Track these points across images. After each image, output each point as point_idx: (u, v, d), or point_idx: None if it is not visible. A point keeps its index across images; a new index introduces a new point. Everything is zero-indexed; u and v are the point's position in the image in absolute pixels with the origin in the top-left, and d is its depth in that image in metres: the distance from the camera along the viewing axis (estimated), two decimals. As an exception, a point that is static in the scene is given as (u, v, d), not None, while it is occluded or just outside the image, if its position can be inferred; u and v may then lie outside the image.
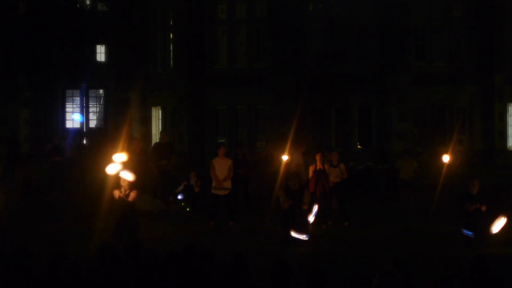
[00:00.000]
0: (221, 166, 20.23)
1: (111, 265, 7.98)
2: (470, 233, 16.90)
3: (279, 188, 19.47)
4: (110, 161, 16.39)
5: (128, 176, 16.32)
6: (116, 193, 16.48)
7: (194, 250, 8.29)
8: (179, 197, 23.26)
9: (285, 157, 20.61)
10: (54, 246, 8.74)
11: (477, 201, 17.00)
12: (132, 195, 16.49)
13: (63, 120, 43.02)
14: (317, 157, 20.03)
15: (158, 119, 40.69)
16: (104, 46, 42.01)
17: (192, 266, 8.04)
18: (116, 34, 37.88)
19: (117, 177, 16.46)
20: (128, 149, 19.70)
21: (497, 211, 17.30)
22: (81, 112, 42.84)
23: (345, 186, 20.86)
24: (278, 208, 18.36)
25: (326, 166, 20.24)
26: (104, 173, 16.53)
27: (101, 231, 17.19)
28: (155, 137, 40.40)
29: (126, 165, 16.55)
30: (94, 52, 40.88)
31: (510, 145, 39.02)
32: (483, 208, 17.03)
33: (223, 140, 38.05)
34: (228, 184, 20.27)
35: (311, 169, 20.06)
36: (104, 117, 43.16)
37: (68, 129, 42.25)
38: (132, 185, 16.52)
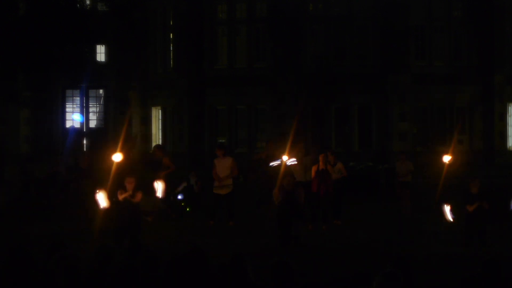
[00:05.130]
0: (222, 165, 20.33)
1: (108, 267, 7.99)
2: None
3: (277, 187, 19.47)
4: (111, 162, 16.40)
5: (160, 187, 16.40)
6: (121, 195, 16.42)
7: (194, 251, 8.29)
8: (179, 197, 23.25)
9: (285, 157, 20.60)
10: (58, 247, 8.73)
11: (478, 201, 16.98)
12: (138, 196, 16.43)
13: (63, 120, 43.04)
14: (320, 158, 20.05)
15: (158, 119, 40.70)
16: (104, 46, 42.03)
17: (191, 266, 8.04)
18: (116, 34, 37.88)
19: (122, 178, 16.43)
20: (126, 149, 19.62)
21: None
22: (81, 112, 42.86)
23: (345, 184, 20.96)
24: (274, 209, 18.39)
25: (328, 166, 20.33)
26: (106, 173, 16.51)
27: (102, 232, 17.19)
28: (155, 137, 40.43)
29: (124, 165, 16.55)
30: (94, 52, 40.88)
31: (510, 145, 39.03)
32: (486, 207, 16.99)
33: (223, 140, 38.06)
34: (229, 181, 20.33)
35: (313, 170, 20.07)
36: (104, 117, 43.17)
37: (68, 128, 42.25)
38: (137, 187, 16.49)
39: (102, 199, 16.06)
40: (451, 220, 16.73)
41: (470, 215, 16.95)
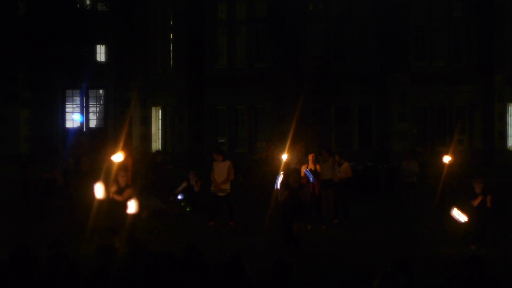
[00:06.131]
0: (220, 169, 20.36)
1: (109, 265, 7.99)
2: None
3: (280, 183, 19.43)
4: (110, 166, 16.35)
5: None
6: (111, 191, 16.32)
7: (190, 250, 8.30)
8: (179, 197, 23.25)
9: (284, 157, 20.60)
10: (55, 246, 8.73)
11: (481, 198, 17.01)
12: (125, 194, 16.28)
13: (63, 120, 43.04)
14: (310, 157, 20.06)
15: (158, 119, 40.69)
16: (104, 46, 42.02)
17: (189, 265, 8.05)
18: (116, 34, 37.87)
19: (114, 174, 16.37)
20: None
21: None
22: (81, 112, 42.85)
23: (349, 184, 21.01)
24: (278, 207, 18.36)
25: (336, 166, 20.44)
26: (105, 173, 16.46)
27: (100, 231, 17.19)
28: (155, 137, 40.41)
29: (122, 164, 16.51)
30: (94, 52, 40.87)
31: (510, 145, 39.03)
32: (488, 204, 16.99)
33: (223, 140, 38.06)
34: (226, 186, 20.35)
35: (303, 169, 20.09)
36: (104, 117, 43.17)
37: (69, 128, 42.25)
38: (128, 184, 16.45)
39: (99, 190, 15.89)
40: (466, 219, 16.68)
41: (473, 211, 16.96)
